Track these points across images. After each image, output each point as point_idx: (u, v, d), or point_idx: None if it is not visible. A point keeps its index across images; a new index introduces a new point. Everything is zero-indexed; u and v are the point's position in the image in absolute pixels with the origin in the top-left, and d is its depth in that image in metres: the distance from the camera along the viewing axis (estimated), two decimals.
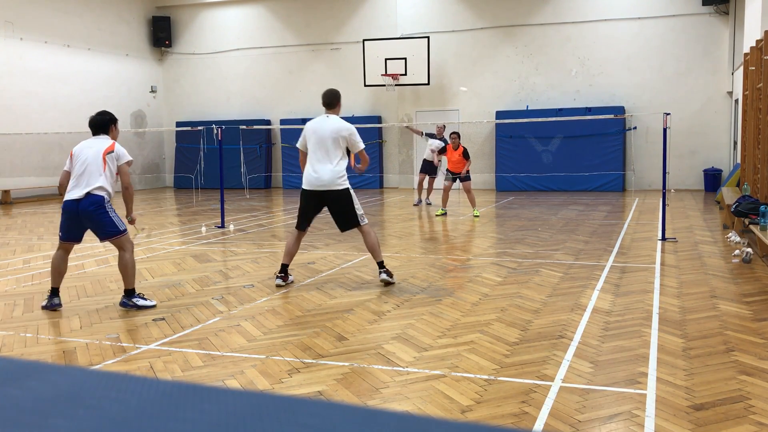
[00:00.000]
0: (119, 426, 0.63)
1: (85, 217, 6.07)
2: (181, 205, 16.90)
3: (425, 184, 15.27)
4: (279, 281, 6.99)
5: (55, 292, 6.20)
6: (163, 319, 5.81)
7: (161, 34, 22.67)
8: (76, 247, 9.72)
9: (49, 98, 19.14)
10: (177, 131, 21.48)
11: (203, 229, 11.62)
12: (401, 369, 4.41)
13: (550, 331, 5.21)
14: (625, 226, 11.27)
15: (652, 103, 18.09)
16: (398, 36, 20.08)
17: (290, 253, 7.05)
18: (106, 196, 6.07)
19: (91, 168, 6.04)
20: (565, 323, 5.44)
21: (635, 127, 18.29)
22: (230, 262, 8.60)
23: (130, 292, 6.19)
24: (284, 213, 14.60)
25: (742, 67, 14.11)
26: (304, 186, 6.92)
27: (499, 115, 19.01)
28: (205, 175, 19.99)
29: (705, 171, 17.87)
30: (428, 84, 19.56)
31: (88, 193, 6.01)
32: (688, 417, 3.58)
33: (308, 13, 21.43)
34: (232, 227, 11.73)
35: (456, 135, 13.12)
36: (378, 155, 20.79)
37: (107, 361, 4.74)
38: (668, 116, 9.84)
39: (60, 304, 6.20)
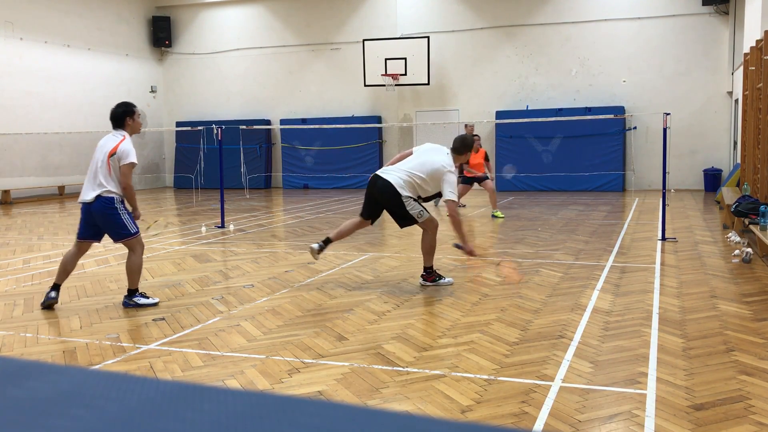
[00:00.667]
0: (119, 426, 0.63)
1: (98, 219, 6.09)
2: (181, 205, 16.90)
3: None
4: (315, 245, 7.03)
5: (55, 287, 6.21)
6: (163, 319, 5.81)
7: (161, 34, 22.67)
8: None
9: (49, 98, 19.14)
10: (177, 131, 21.49)
11: (203, 229, 11.62)
12: (401, 369, 4.41)
13: (550, 331, 5.21)
14: (625, 226, 11.27)
15: (652, 103, 18.10)
16: (398, 36, 20.09)
17: (340, 234, 7.11)
18: (116, 197, 6.07)
19: (101, 170, 6.06)
20: (565, 323, 5.44)
21: (635, 127, 18.30)
22: (230, 262, 8.60)
23: (132, 292, 6.21)
24: (284, 213, 14.60)
25: (742, 67, 14.11)
26: None
27: (499, 115, 19.01)
28: (205, 175, 19.99)
29: (705, 171, 17.88)
30: (428, 84, 19.56)
31: (98, 196, 6.02)
32: (688, 417, 3.58)
33: (308, 13, 21.43)
34: (232, 227, 11.72)
35: (478, 137, 13.10)
36: (378, 155, 20.79)
37: (107, 361, 4.73)
38: (668, 116, 9.84)
39: (55, 298, 6.18)
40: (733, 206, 9.78)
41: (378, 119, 20.55)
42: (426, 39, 19.36)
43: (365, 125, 17.22)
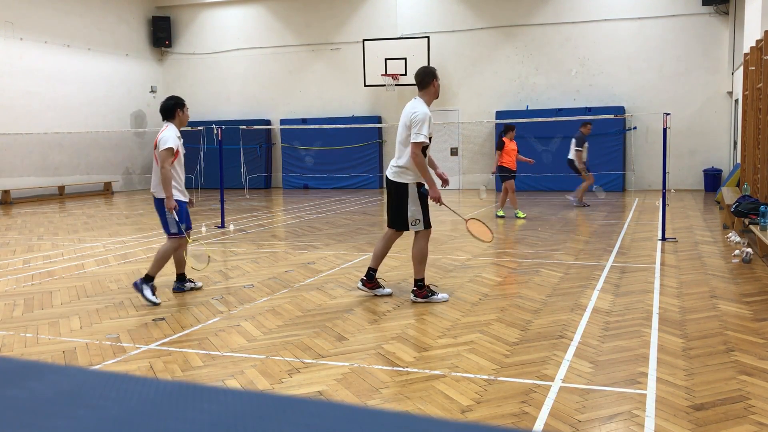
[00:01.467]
0: (119, 426, 0.63)
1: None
2: None
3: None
4: (360, 284, 6.51)
5: (180, 277, 6.80)
6: (163, 319, 5.81)
7: (161, 34, 22.67)
8: (76, 247, 9.70)
9: (49, 98, 19.14)
10: None
11: (203, 229, 11.62)
12: (401, 369, 4.41)
13: (550, 331, 5.21)
14: (625, 226, 11.27)
15: (652, 103, 18.09)
16: (398, 36, 20.09)
17: (375, 255, 6.48)
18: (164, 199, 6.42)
19: (153, 164, 6.59)
20: (565, 323, 5.44)
21: (635, 127, 18.29)
22: (230, 262, 8.60)
23: (147, 278, 6.34)
24: (284, 213, 14.59)
25: (742, 67, 14.11)
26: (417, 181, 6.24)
27: (499, 115, 19.01)
28: (205, 175, 19.99)
29: (705, 171, 17.87)
30: None
31: (153, 196, 6.57)
32: (688, 417, 3.58)
33: (308, 13, 21.43)
34: (232, 227, 11.72)
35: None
36: (378, 155, 20.79)
37: (107, 361, 4.73)
38: (668, 116, 9.84)
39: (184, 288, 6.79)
40: (733, 206, 9.78)
41: (378, 119, 20.54)
42: (426, 39, 19.36)
43: (365, 125, 17.23)
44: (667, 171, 10.11)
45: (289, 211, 14.70)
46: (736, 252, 8.17)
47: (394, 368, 4.43)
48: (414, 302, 6.22)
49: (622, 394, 3.92)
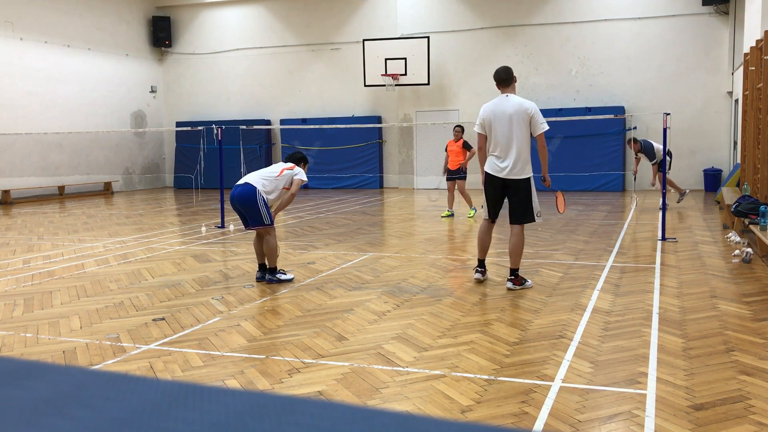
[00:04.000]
0: (119, 426, 0.63)
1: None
2: (181, 205, 16.90)
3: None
4: (478, 275, 6.93)
5: (261, 267, 7.30)
6: (163, 319, 5.81)
7: (161, 34, 22.67)
8: (76, 247, 9.75)
9: (49, 98, 19.14)
10: (177, 131, 21.48)
11: (203, 229, 11.62)
12: (401, 369, 4.41)
13: (550, 331, 5.21)
14: (625, 226, 11.27)
15: (652, 103, 18.09)
16: (398, 36, 20.09)
17: (484, 248, 6.90)
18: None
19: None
20: (565, 323, 5.44)
21: (635, 127, 18.28)
22: (230, 262, 8.61)
23: (272, 270, 7.15)
24: (284, 213, 14.58)
25: (742, 67, 14.11)
26: (488, 170, 6.73)
27: None
28: (205, 175, 19.98)
29: (705, 171, 17.87)
30: (428, 84, 19.56)
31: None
32: (688, 417, 3.58)
33: (308, 13, 21.43)
34: (232, 227, 11.72)
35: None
36: (378, 155, 20.80)
37: (107, 361, 4.73)
38: (668, 116, 9.84)
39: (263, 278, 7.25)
40: (733, 206, 9.78)
41: (378, 119, 20.55)
42: (426, 39, 19.36)
43: (365, 125, 17.21)
44: (667, 171, 10.11)
45: (289, 211, 14.70)
46: (736, 252, 8.17)
47: (394, 368, 4.43)
48: (510, 290, 6.60)
49: (622, 394, 3.92)
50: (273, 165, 7.45)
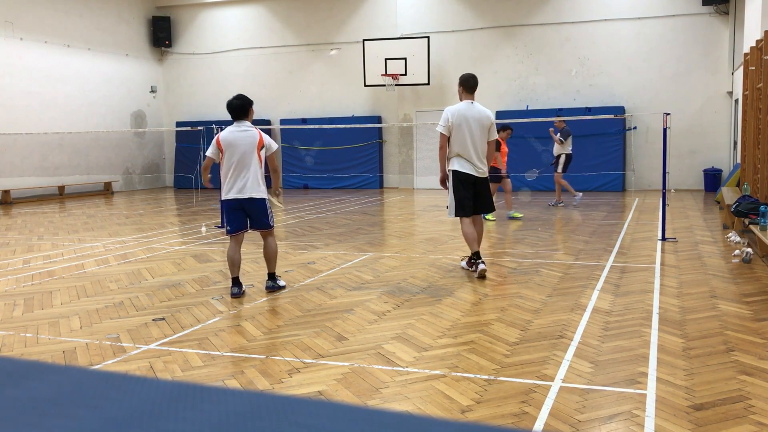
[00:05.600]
0: (119, 426, 0.63)
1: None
2: (181, 205, 16.90)
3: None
4: (482, 266, 7.21)
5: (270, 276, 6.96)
6: (163, 319, 5.81)
7: (161, 34, 22.67)
8: (76, 247, 9.74)
9: (49, 98, 19.14)
10: (177, 131, 21.49)
11: (203, 229, 11.61)
12: (401, 369, 4.41)
13: (550, 331, 5.21)
14: (625, 226, 11.27)
15: (652, 103, 18.10)
16: (398, 36, 20.09)
17: (475, 239, 7.36)
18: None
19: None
20: (565, 323, 5.44)
21: (635, 127, 18.30)
22: None
23: (272, 276, 6.90)
24: (284, 213, 14.59)
25: (742, 67, 14.11)
26: (463, 170, 7.36)
27: (499, 115, 19.00)
28: None
29: (705, 171, 17.87)
30: (428, 84, 19.56)
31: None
32: (688, 417, 3.58)
33: (308, 13, 21.44)
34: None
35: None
36: (378, 155, 20.80)
37: (107, 361, 4.74)
38: (668, 116, 9.84)
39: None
40: (733, 206, 9.78)
41: (378, 119, 20.54)
42: (426, 39, 19.36)
43: (365, 125, 17.21)
44: (667, 171, 10.11)
45: (289, 211, 14.70)
46: (736, 252, 8.17)
47: (394, 368, 4.43)
48: (485, 271, 7.19)
49: (622, 394, 3.92)
50: (247, 148, 6.49)
